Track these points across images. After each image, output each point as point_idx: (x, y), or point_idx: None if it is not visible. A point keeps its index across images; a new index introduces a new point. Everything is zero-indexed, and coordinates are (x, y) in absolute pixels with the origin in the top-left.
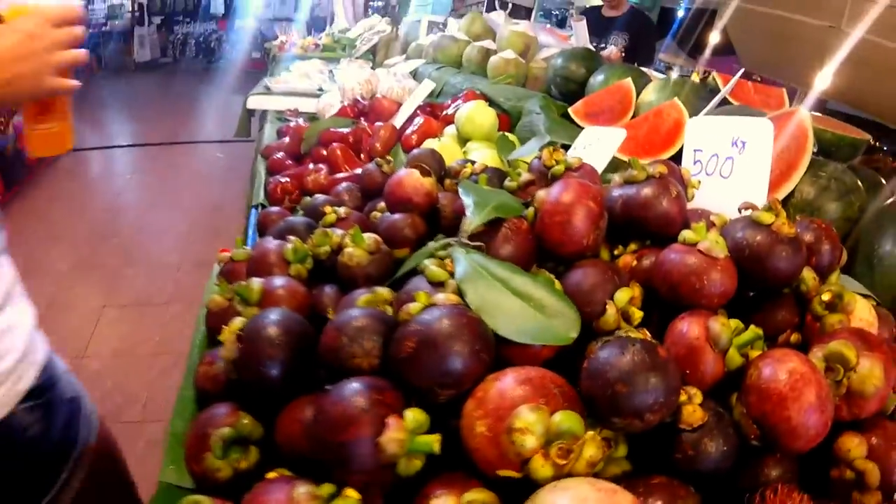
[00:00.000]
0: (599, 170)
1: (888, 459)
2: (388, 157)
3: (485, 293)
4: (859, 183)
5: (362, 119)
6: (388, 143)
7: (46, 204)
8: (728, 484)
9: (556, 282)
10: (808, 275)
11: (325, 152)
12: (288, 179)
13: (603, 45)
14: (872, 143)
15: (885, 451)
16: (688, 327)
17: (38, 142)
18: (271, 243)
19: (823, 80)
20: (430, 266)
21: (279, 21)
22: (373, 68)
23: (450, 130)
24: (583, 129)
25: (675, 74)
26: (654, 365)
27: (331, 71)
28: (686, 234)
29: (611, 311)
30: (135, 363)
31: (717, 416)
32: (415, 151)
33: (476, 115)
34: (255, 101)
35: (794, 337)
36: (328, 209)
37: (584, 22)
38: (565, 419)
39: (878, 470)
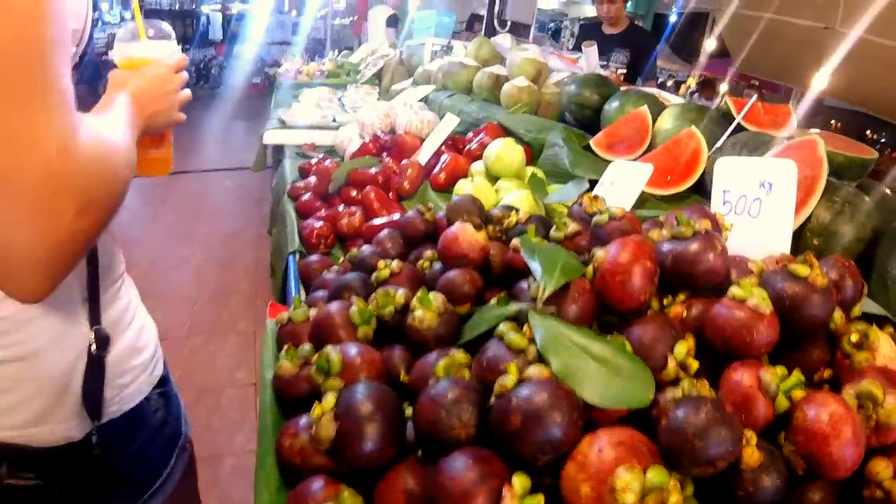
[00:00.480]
0: (629, 206)
1: None
2: (430, 205)
3: (567, 361)
4: (872, 205)
5: (385, 155)
6: (415, 181)
7: None
8: None
9: (628, 344)
10: (837, 315)
11: (354, 193)
12: (322, 223)
13: (605, 63)
14: (869, 136)
15: None
16: (742, 377)
17: (150, 165)
18: (334, 306)
19: (820, 79)
20: (510, 334)
21: (277, 45)
22: (379, 94)
23: (477, 167)
24: (604, 160)
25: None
26: (724, 420)
27: (339, 99)
28: (735, 292)
29: (671, 364)
30: None
31: (770, 454)
32: (455, 200)
33: (505, 154)
34: (272, 137)
35: (827, 373)
36: (380, 264)
37: (595, 47)
38: (656, 475)
39: None
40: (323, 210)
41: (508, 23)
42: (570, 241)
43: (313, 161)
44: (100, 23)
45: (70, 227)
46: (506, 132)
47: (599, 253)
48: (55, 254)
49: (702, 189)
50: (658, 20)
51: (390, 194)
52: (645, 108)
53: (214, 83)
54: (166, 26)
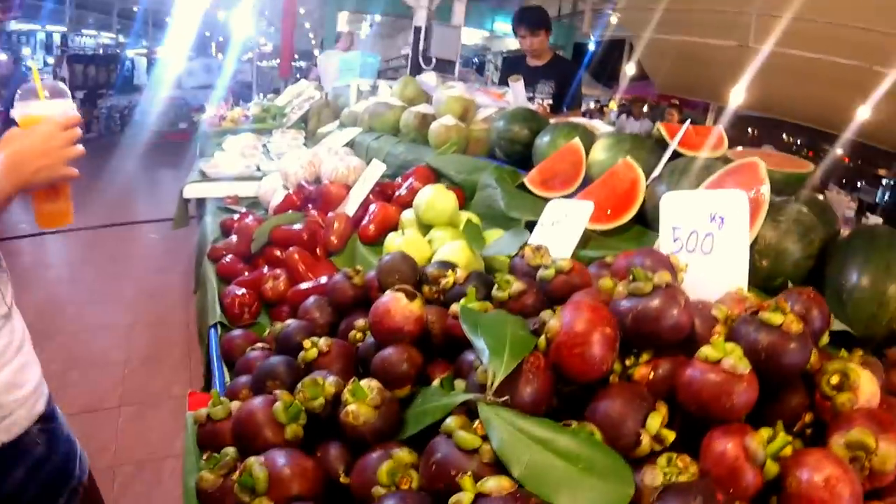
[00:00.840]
0: (572, 246)
1: None
2: (358, 267)
3: (529, 461)
4: (816, 219)
5: (310, 207)
6: (343, 235)
7: None
8: None
9: (597, 432)
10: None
11: (279, 253)
12: (245, 291)
13: (531, 95)
14: (786, 140)
15: None
16: (726, 448)
17: (48, 218)
18: (257, 402)
19: (737, 92)
20: (460, 433)
21: (202, 89)
22: (306, 137)
23: (408, 216)
24: (541, 199)
25: (592, 105)
26: None
27: (265, 145)
28: (708, 353)
29: (645, 440)
30: (95, 475)
31: None
32: (385, 259)
33: (436, 201)
34: (192, 190)
35: (808, 416)
36: (307, 343)
37: (521, 81)
38: None
39: None
40: (246, 273)
41: (433, 60)
42: (516, 301)
43: (235, 217)
44: (24, 67)
45: None
46: (436, 174)
47: (553, 322)
48: None
49: (642, 219)
50: (578, 49)
51: (318, 250)
52: (577, 141)
53: (137, 129)
54: (62, 86)
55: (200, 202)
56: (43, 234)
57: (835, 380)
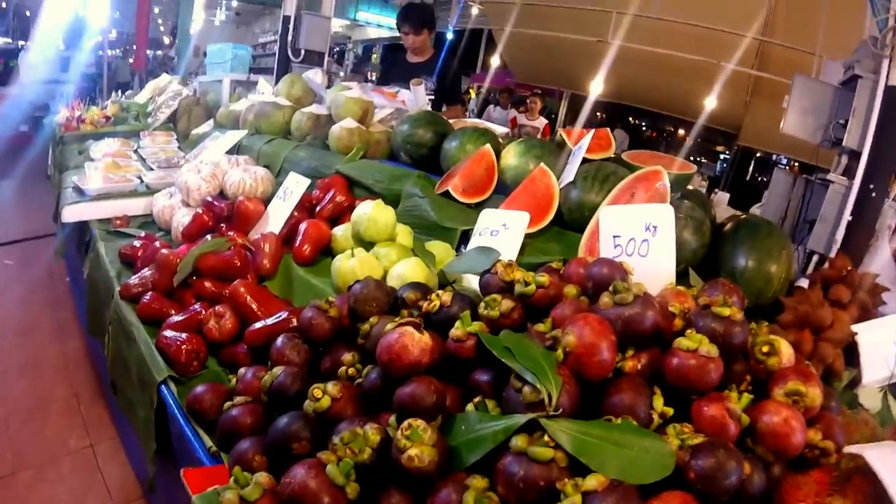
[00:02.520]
0: (515, 255)
1: (832, 435)
2: (330, 299)
3: (605, 456)
4: (703, 211)
5: (223, 227)
6: (275, 258)
7: None
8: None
9: (634, 422)
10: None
11: (208, 284)
12: (185, 335)
13: None
14: (632, 121)
15: (831, 431)
16: (713, 412)
17: None
18: (300, 472)
19: (595, 83)
20: (534, 448)
21: (46, 84)
22: (178, 141)
23: (340, 232)
24: (468, 207)
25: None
26: (732, 454)
27: (136, 151)
28: (685, 343)
29: (655, 417)
30: None
31: (752, 460)
32: (357, 287)
33: (378, 217)
34: (73, 213)
35: (748, 378)
36: (316, 392)
37: (423, 85)
38: None
39: (831, 443)
40: (174, 313)
41: (302, 52)
42: (506, 318)
43: (136, 243)
44: None
45: None
46: (350, 183)
47: (569, 338)
48: None
49: (559, 220)
50: (437, 38)
51: (249, 276)
52: (489, 148)
53: None
54: None
55: (80, 225)
56: None
57: (766, 349)
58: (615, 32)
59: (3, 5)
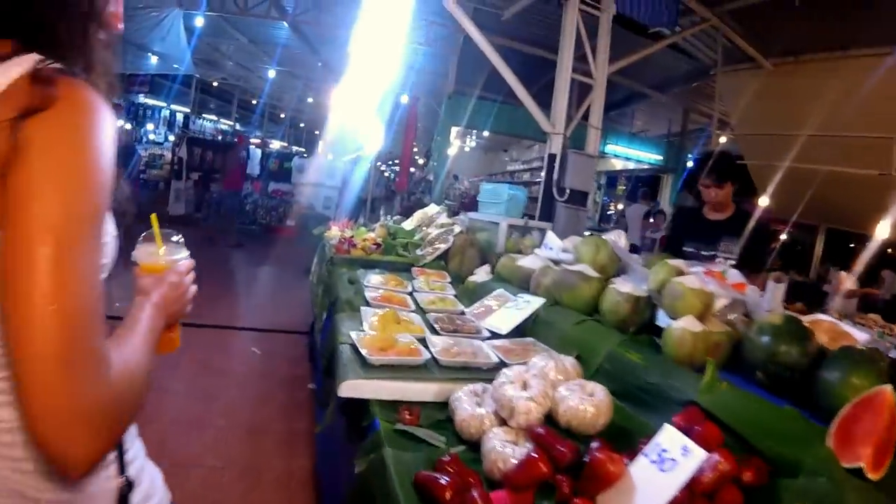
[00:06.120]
0: None
1: None
2: None
3: None
4: None
5: (564, 483)
6: None
7: None
8: None
9: None
10: None
11: None
12: None
13: (713, 254)
14: None
15: None
16: None
17: (163, 345)
18: None
19: (884, 223)
20: None
21: (313, 187)
22: (452, 284)
23: None
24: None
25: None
26: None
27: (411, 294)
28: None
29: None
30: None
31: None
32: None
33: None
34: (352, 388)
35: None
36: None
37: (785, 284)
38: None
39: None
40: None
41: (567, 191)
42: None
43: (442, 479)
44: (144, 139)
45: (102, 444)
46: (718, 427)
47: None
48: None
49: None
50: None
51: None
52: (889, 388)
53: (248, 221)
54: (177, 236)
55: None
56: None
57: None
58: None
59: (282, 116)
